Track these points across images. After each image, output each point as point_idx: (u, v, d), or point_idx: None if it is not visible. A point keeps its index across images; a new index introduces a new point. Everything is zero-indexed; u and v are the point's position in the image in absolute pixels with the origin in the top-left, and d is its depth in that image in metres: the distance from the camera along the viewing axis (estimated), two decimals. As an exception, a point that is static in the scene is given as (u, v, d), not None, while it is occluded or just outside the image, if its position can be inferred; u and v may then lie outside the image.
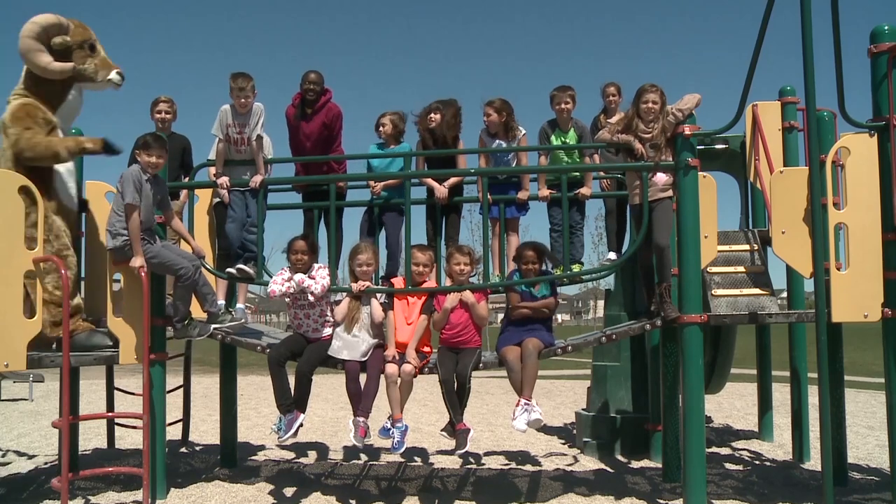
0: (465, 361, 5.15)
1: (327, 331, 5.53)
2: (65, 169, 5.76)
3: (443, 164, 6.14)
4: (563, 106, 6.12)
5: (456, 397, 5.14)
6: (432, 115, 6.02)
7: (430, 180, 6.01)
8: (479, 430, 8.03)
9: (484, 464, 6.94)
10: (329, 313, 5.54)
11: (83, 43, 5.86)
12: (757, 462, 6.88)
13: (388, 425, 5.22)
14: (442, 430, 5.46)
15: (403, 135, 6.24)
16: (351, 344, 5.35)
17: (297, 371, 5.30)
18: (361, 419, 5.15)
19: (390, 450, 5.26)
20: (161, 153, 5.43)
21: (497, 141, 6.05)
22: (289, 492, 5.84)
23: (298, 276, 5.41)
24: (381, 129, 6.15)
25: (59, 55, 5.72)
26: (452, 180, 6.01)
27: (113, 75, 5.97)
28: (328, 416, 10.13)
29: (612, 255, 6.54)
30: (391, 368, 5.19)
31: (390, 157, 6.16)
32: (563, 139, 6.18)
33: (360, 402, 5.20)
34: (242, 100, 5.78)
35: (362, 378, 5.30)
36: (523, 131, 6.06)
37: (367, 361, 5.29)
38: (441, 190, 5.94)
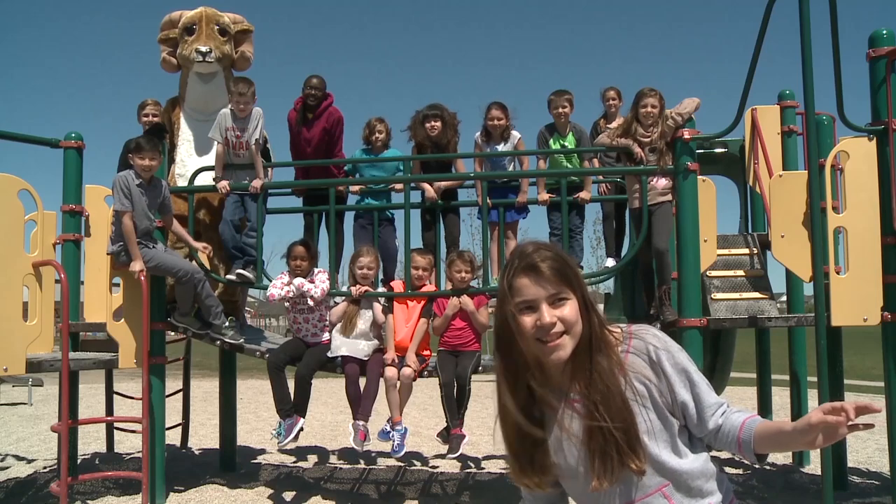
0: (464, 364, 5.15)
1: (327, 335, 5.52)
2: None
3: (440, 168, 6.14)
4: (560, 110, 6.10)
5: (455, 402, 5.14)
6: (433, 122, 5.99)
7: (423, 184, 6.01)
8: (478, 435, 8.01)
9: (483, 468, 6.93)
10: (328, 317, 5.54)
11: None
12: (756, 466, 6.87)
13: (388, 428, 5.22)
14: (438, 435, 5.46)
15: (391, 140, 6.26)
16: (350, 344, 5.36)
17: (296, 375, 5.30)
18: (361, 422, 5.14)
19: (390, 453, 5.26)
20: (154, 155, 5.37)
21: (495, 145, 6.05)
22: (288, 496, 5.83)
23: (298, 280, 5.40)
24: (376, 135, 6.12)
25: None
26: (445, 184, 6.00)
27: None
28: (327, 420, 10.11)
29: (611, 262, 6.52)
30: (390, 372, 5.19)
31: (391, 160, 6.17)
32: (561, 143, 6.18)
33: (360, 405, 5.20)
34: (242, 105, 5.78)
35: (362, 382, 5.31)
36: (518, 135, 6.07)
37: (366, 365, 5.29)
38: (430, 191, 5.93)
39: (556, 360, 1.69)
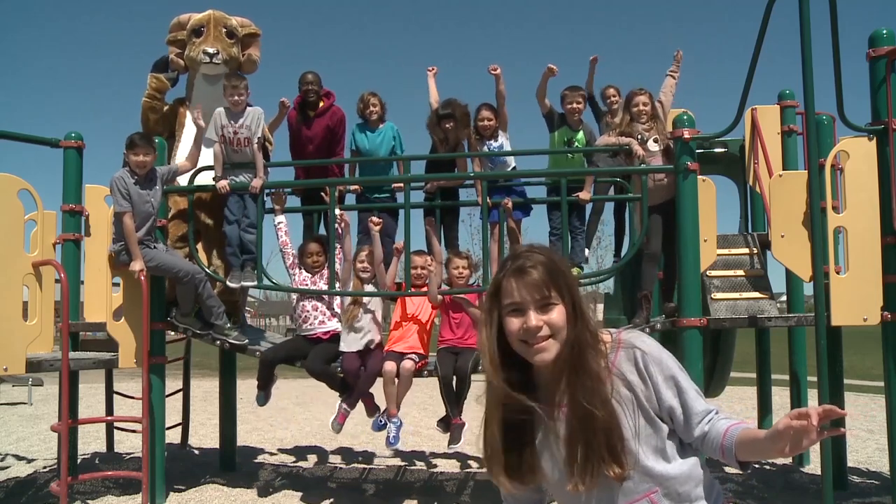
0: (464, 358, 5.17)
1: (332, 324, 5.57)
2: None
3: (446, 166, 6.16)
4: (575, 105, 6.07)
5: (454, 393, 5.16)
6: (447, 123, 5.98)
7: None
8: (478, 433, 8.01)
9: (483, 468, 6.92)
10: (335, 307, 5.62)
11: None
12: (756, 465, 6.87)
13: (383, 420, 5.23)
14: (437, 425, 5.46)
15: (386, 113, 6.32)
16: (349, 340, 5.41)
17: (309, 372, 5.34)
18: (346, 406, 5.25)
19: (386, 444, 5.27)
20: (147, 150, 5.37)
21: (488, 142, 6.05)
22: (288, 496, 5.83)
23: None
24: (370, 109, 6.17)
25: None
26: (442, 183, 6.04)
27: None
28: (327, 420, 10.07)
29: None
30: (389, 366, 5.20)
31: (389, 160, 6.19)
32: (569, 136, 6.14)
33: (351, 392, 5.32)
34: (236, 97, 5.74)
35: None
36: (505, 135, 6.10)
37: (366, 359, 5.32)
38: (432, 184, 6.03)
39: (539, 362, 1.70)
